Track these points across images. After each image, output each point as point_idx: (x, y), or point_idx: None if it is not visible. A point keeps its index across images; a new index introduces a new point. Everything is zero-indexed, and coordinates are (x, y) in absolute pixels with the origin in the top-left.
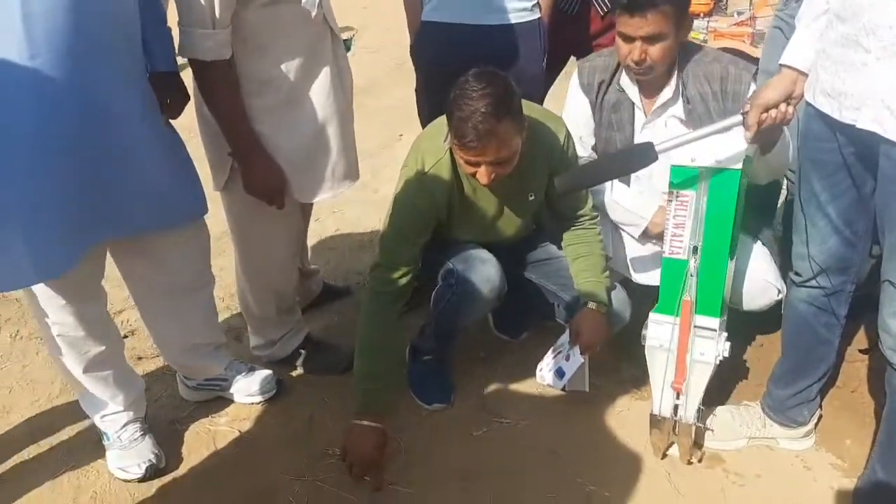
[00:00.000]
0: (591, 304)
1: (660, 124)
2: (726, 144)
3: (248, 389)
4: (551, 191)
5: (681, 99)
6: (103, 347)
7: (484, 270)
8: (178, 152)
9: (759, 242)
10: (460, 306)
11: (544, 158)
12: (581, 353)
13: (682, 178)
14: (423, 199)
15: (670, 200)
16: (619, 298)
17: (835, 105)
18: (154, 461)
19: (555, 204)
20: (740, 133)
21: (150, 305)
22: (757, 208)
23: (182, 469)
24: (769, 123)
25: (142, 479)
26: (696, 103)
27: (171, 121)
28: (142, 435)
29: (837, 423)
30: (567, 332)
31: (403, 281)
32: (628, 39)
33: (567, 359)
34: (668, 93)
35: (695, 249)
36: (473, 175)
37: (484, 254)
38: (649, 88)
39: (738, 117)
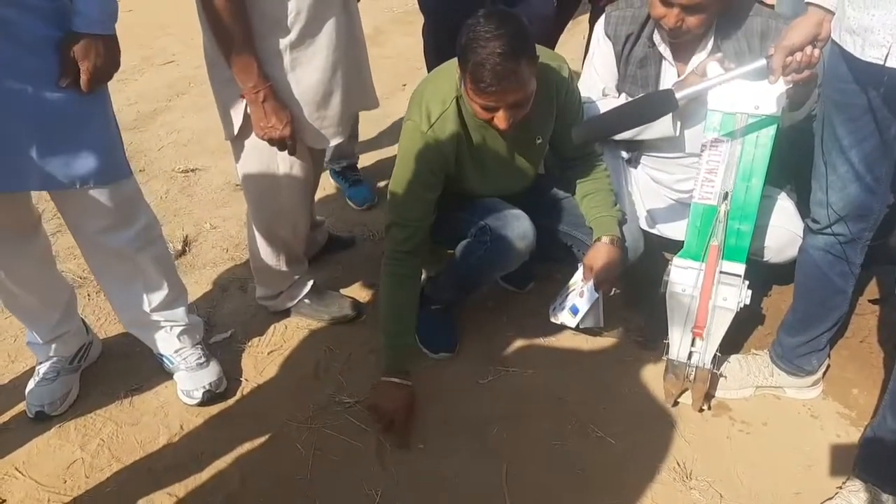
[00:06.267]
0: (605, 238)
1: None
2: (766, 91)
3: (185, 386)
4: (557, 133)
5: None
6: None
7: (519, 227)
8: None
9: (783, 193)
10: (494, 262)
11: (549, 100)
12: (596, 289)
13: (718, 124)
14: (431, 152)
15: (703, 146)
16: (631, 231)
17: (858, 42)
18: None
19: (560, 145)
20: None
21: (89, 256)
22: (780, 158)
23: (186, 416)
24: (794, 67)
25: None
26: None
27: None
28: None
29: (845, 373)
30: (579, 270)
31: (419, 237)
32: (666, 3)
33: (581, 295)
34: (702, 56)
35: (725, 195)
36: (489, 121)
37: (516, 210)
38: (682, 49)
39: (763, 61)
